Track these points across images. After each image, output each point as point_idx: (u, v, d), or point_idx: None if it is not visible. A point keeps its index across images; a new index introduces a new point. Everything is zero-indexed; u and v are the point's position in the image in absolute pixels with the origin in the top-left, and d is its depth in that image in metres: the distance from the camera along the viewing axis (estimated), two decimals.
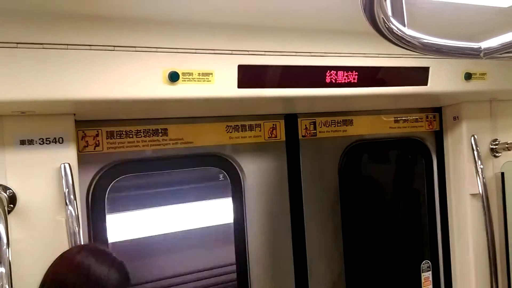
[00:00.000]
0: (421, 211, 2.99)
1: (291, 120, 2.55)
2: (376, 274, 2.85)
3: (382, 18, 1.01)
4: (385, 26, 1.02)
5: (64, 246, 1.60)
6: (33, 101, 1.56)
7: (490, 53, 1.29)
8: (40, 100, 1.56)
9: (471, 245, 2.77)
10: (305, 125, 2.58)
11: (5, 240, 1.41)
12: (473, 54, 1.28)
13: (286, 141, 2.54)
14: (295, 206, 2.55)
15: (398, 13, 1.10)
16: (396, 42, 1.08)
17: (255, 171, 2.46)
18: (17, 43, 1.47)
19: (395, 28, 1.04)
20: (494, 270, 2.66)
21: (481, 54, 1.28)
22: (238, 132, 2.41)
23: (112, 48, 1.61)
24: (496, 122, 2.82)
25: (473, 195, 2.73)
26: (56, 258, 1.49)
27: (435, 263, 2.96)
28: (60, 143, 1.79)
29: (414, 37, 1.12)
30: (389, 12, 1.05)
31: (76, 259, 1.45)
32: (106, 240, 2.12)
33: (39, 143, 1.76)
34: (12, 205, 1.69)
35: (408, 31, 1.10)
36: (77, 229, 1.72)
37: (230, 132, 2.39)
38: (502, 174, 2.81)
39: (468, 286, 2.81)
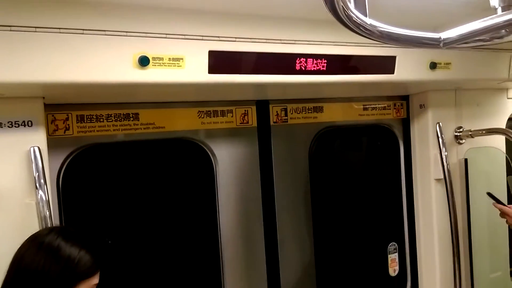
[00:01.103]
0: (388, 195, 3.09)
1: (262, 106, 2.59)
2: (345, 256, 2.94)
3: (342, 6, 1.05)
4: (344, 14, 1.07)
5: (35, 230, 1.60)
6: (0, 83, 1.55)
7: (450, 43, 1.35)
8: (8, 82, 1.56)
9: (435, 228, 2.88)
10: (277, 111, 2.62)
11: None
12: (433, 44, 1.34)
13: (258, 127, 2.58)
14: (267, 191, 2.61)
15: (360, 3, 1.15)
16: (356, 30, 1.12)
17: (227, 157, 2.50)
18: None
19: (355, 16, 1.09)
20: (456, 251, 2.78)
21: (441, 44, 1.34)
22: (210, 117, 2.44)
23: (82, 31, 1.60)
24: (461, 110, 2.93)
25: (438, 180, 2.84)
26: (25, 240, 1.48)
27: (401, 245, 3.07)
28: (29, 126, 1.79)
29: (374, 26, 1.17)
30: (351, 2, 1.10)
31: (45, 241, 1.44)
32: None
33: (8, 126, 1.75)
34: None
35: (368, 20, 1.14)
36: (47, 213, 1.73)
37: (202, 118, 2.42)
38: (466, 160, 2.92)
39: (432, 266, 2.93)
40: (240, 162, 2.54)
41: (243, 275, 2.57)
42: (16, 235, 1.54)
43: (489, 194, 2.59)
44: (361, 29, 1.11)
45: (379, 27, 1.15)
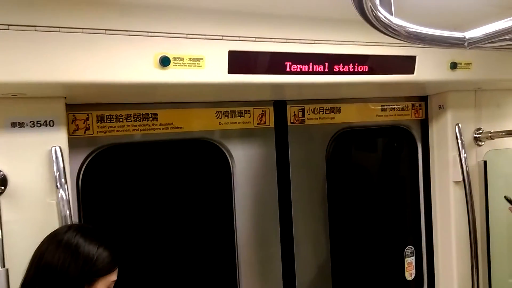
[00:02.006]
0: (406, 197, 3.06)
1: (280, 107, 2.58)
2: (361, 258, 2.91)
3: (370, 6, 1.04)
4: (372, 14, 1.06)
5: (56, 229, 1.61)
6: (23, 83, 1.57)
7: (474, 43, 1.33)
8: (31, 82, 1.57)
9: (453, 231, 2.85)
10: (294, 112, 2.61)
11: None
12: (458, 43, 1.32)
13: (275, 128, 2.57)
14: (283, 192, 2.60)
15: (385, 2, 1.14)
16: (383, 30, 1.11)
17: (244, 157, 2.50)
18: (8, 25, 1.47)
19: (382, 17, 1.08)
20: (475, 255, 2.74)
21: (466, 44, 1.32)
22: (228, 118, 2.44)
23: (104, 31, 1.61)
24: (480, 111, 2.89)
25: (456, 182, 2.80)
26: (45, 238, 1.50)
27: (418, 249, 3.04)
28: (50, 126, 1.80)
29: (400, 26, 1.15)
30: (377, 1, 1.09)
31: (64, 238, 1.46)
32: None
33: (30, 126, 1.77)
34: (3, 187, 1.70)
35: (395, 20, 1.13)
36: (68, 212, 1.74)
37: (220, 118, 2.42)
38: (485, 162, 2.88)
39: (449, 270, 2.90)
40: (257, 162, 2.53)
41: (259, 275, 2.57)
42: (37, 233, 1.56)
43: (506, 198, 2.56)
44: (388, 29, 1.10)
45: (406, 27, 1.14)
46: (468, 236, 2.75)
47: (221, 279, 2.54)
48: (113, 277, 1.51)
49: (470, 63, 2.44)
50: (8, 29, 1.47)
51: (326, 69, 2.08)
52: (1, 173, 1.71)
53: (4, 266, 1.39)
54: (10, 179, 1.72)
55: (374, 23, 1.07)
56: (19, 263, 1.47)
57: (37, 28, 1.51)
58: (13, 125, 1.75)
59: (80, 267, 1.41)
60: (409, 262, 3.01)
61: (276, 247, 2.59)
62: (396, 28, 1.12)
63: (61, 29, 1.54)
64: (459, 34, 1.31)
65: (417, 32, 1.17)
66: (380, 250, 2.98)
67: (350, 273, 2.86)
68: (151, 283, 2.36)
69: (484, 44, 1.38)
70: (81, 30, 1.58)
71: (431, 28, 1.23)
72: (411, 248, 3.02)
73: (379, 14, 1.06)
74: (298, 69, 2.01)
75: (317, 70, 2.06)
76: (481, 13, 1.93)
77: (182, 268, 2.45)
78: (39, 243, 1.50)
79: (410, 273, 3.01)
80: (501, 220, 2.91)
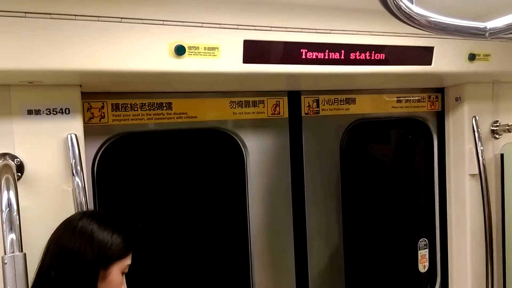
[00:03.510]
0: (420, 190, 3.03)
1: (294, 97, 2.56)
2: (374, 250, 2.90)
3: None
4: (394, 3, 1.03)
5: None
6: (40, 70, 1.57)
7: (496, 33, 1.30)
8: (47, 70, 1.57)
9: (468, 225, 2.82)
10: (308, 103, 2.59)
11: (15, 207, 1.44)
12: (479, 34, 1.29)
13: (289, 118, 2.56)
14: (297, 183, 2.59)
15: None
16: (404, 19, 1.09)
17: (257, 147, 2.49)
18: (25, 12, 1.47)
19: (403, 6, 1.05)
20: (490, 249, 2.71)
21: (487, 34, 1.29)
22: (242, 108, 2.43)
23: (120, 20, 1.61)
24: (498, 104, 2.84)
25: (472, 175, 2.76)
26: (60, 224, 1.53)
27: (432, 241, 3.02)
28: (66, 114, 1.81)
29: (421, 15, 1.13)
30: None
31: (79, 224, 1.48)
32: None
33: (46, 114, 1.78)
34: (19, 174, 1.72)
35: (415, 9, 1.11)
36: (83, 199, 1.75)
37: (234, 108, 2.41)
38: (502, 155, 2.83)
39: (463, 264, 2.87)
40: (271, 153, 2.52)
41: (271, 266, 2.57)
42: (53, 219, 1.58)
43: None
44: (410, 19, 1.07)
45: (428, 16, 1.11)
46: (483, 230, 2.71)
47: (233, 268, 2.55)
48: (128, 261, 1.54)
49: (489, 55, 2.39)
50: (25, 16, 1.47)
51: (342, 59, 2.05)
52: (18, 159, 1.73)
53: (22, 251, 1.41)
54: (26, 166, 1.74)
55: (396, 12, 1.05)
56: (35, 248, 1.49)
57: (53, 16, 1.51)
58: (29, 112, 1.76)
59: (96, 252, 1.44)
60: (423, 254, 2.99)
61: (289, 238, 2.59)
62: (417, 18, 1.09)
63: (77, 17, 1.54)
64: (480, 24, 1.27)
65: (438, 21, 1.14)
66: (394, 242, 2.96)
67: (362, 264, 2.86)
68: (164, 269, 2.38)
69: (505, 34, 1.34)
70: (97, 18, 1.57)
71: (450, 17, 1.20)
72: (425, 241, 3.00)
73: (401, 3, 1.04)
74: (314, 59, 1.99)
75: (332, 59, 2.04)
76: (503, 3, 1.89)
77: (195, 256, 2.46)
78: (55, 229, 1.52)
79: (423, 266, 2.99)
80: None
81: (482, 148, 2.68)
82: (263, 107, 2.48)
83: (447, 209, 2.96)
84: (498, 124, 2.82)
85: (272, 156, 2.52)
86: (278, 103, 2.52)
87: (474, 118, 2.71)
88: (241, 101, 2.42)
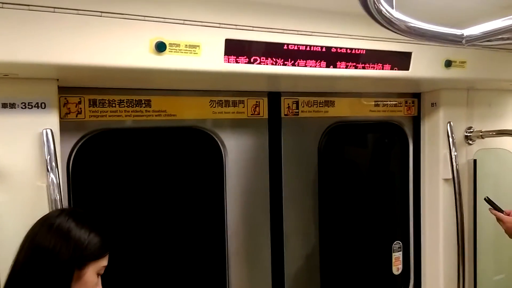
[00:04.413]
0: (395, 193, 3.08)
1: (274, 98, 2.57)
2: (349, 251, 2.94)
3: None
4: (374, 7, 1.05)
5: (46, 212, 1.59)
6: (15, 63, 1.53)
7: (472, 40, 1.33)
8: (23, 62, 1.54)
9: (441, 228, 2.88)
10: (288, 104, 2.60)
11: None
12: (456, 40, 1.32)
13: (269, 119, 2.56)
14: (275, 183, 2.60)
15: None
16: (384, 24, 1.11)
17: (236, 147, 2.49)
18: (2, 3, 1.43)
19: (384, 10, 1.07)
20: (461, 252, 2.77)
21: (463, 41, 1.32)
22: (222, 107, 2.42)
23: (100, 14, 1.58)
24: (472, 110, 2.91)
25: (446, 180, 2.82)
26: (37, 221, 1.49)
27: (406, 244, 3.07)
28: (42, 108, 1.77)
29: (401, 20, 1.15)
30: None
31: (56, 222, 1.44)
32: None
33: (21, 107, 1.74)
34: None
35: (396, 14, 1.13)
36: (58, 196, 1.72)
37: (214, 107, 2.40)
38: (475, 161, 2.90)
39: (436, 266, 2.93)
40: (250, 153, 2.52)
41: (247, 265, 2.57)
42: (26, 216, 1.55)
43: (487, 199, 2.60)
44: (389, 24, 1.09)
45: (407, 21, 1.13)
46: (456, 233, 2.78)
47: (210, 267, 2.54)
48: (104, 262, 1.50)
49: (465, 62, 2.45)
50: (2, 7, 1.44)
51: (323, 62, 2.07)
52: None
53: None
54: (0, 161, 1.70)
55: (376, 16, 1.06)
56: (8, 245, 1.46)
57: (31, 8, 1.48)
58: (4, 106, 1.71)
59: (71, 251, 1.40)
60: (397, 257, 3.04)
61: (266, 238, 2.59)
62: (397, 23, 1.11)
63: (55, 10, 1.51)
64: (458, 31, 1.30)
65: (417, 27, 1.17)
66: (369, 244, 3.00)
67: (338, 265, 2.88)
68: (140, 269, 2.35)
69: (481, 42, 1.38)
70: (76, 12, 1.55)
71: (428, 23, 1.22)
72: (399, 243, 3.04)
73: (381, 8, 1.06)
74: (294, 60, 2.00)
75: (313, 62, 2.06)
76: (480, 11, 1.94)
77: (171, 256, 2.44)
78: (31, 226, 1.48)
79: (397, 268, 3.04)
80: (488, 218, 2.92)
81: (456, 153, 2.74)
82: (243, 107, 2.48)
83: (421, 213, 3.01)
84: (472, 130, 2.88)
85: (251, 156, 2.53)
86: (258, 103, 2.52)
87: (449, 124, 2.77)
88: (221, 101, 2.42)
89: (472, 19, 1.52)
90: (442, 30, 1.27)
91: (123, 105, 2.17)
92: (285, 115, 2.60)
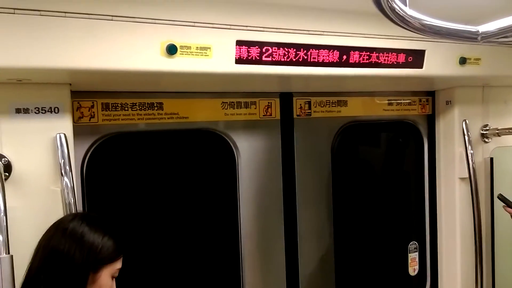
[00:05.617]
0: (411, 193, 3.04)
1: (286, 99, 2.56)
2: (364, 253, 2.91)
3: None
4: (388, 5, 1.03)
5: (60, 216, 1.60)
6: (29, 68, 1.55)
7: (487, 37, 1.30)
8: (36, 68, 1.55)
9: (458, 228, 2.83)
10: (300, 104, 2.59)
11: (2, 207, 1.42)
12: (471, 37, 1.29)
13: (281, 120, 2.55)
14: (288, 184, 2.58)
15: None
16: (398, 22, 1.08)
17: (249, 149, 2.48)
18: (14, 8, 1.45)
19: (398, 8, 1.05)
20: (479, 252, 2.72)
21: (479, 38, 1.29)
22: (234, 109, 2.42)
23: (111, 18, 1.59)
24: (488, 107, 2.86)
25: (462, 179, 2.78)
26: (51, 226, 1.51)
27: (422, 245, 3.02)
28: (55, 113, 1.78)
29: (415, 18, 1.13)
30: None
31: (69, 226, 1.46)
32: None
33: (35, 112, 1.75)
34: (7, 174, 1.69)
35: (409, 11, 1.11)
36: (72, 200, 1.73)
37: (226, 109, 2.40)
38: (491, 159, 2.85)
39: (453, 267, 2.88)
40: (262, 154, 2.51)
41: (262, 267, 2.56)
42: (41, 220, 1.57)
43: (500, 197, 2.55)
44: (403, 21, 1.07)
45: (421, 19, 1.11)
46: (473, 233, 2.73)
47: (224, 270, 2.53)
48: (118, 265, 1.52)
49: (479, 59, 2.41)
50: (14, 13, 1.45)
51: (334, 61, 2.05)
52: (6, 159, 1.70)
53: (8, 253, 1.39)
54: (14, 166, 1.71)
55: (389, 14, 1.04)
56: (23, 250, 1.46)
57: (43, 13, 1.49)
58: (18, 111, 1.73)
59: (86, 255, 1.42)
60: (413, 257, 3.00)
61: (280, 240, 2.58)
62: (410, 20, 1.09)
63: (67, 14, 1.52)
64: (473, 28, 1.28)
65: (432, 24, 1.14)
66: (384, 245, 2.97)
67: (353, 267, 2.86)
68: (155, 272, 2.36)
69: (497, 38, 1.35)
70: (87, 16, 1.55)
71: (442, 20, 1.20)
72: (415, 244, 3.00)
73: (395, 5, 1.04)
74: (306, 60, 1.99)
75: (325, 62, 2.04)
76: (495, 7, 1.90)
77: (185, 258, 2.44)
78: (45, 231, 1.50)
79: (413, 269, 3.00)
80: (506, 217, 2.88)
81: (472, 151, 2.69)
82: (255, 108, 2.47)
83: (437, 212, 2.97)
84: (488, 128, 2.83)
85: (263, 157, 2.52)
86: (270, 104, 2.51)
87: (464, 122, 2.72)
88: (233, 102, 2.41)
89: (486, 16, 1.49)
90: (457, 27, 1.25)
91: (135, 108, 2.17)
92: (297, 115, 2.58)
